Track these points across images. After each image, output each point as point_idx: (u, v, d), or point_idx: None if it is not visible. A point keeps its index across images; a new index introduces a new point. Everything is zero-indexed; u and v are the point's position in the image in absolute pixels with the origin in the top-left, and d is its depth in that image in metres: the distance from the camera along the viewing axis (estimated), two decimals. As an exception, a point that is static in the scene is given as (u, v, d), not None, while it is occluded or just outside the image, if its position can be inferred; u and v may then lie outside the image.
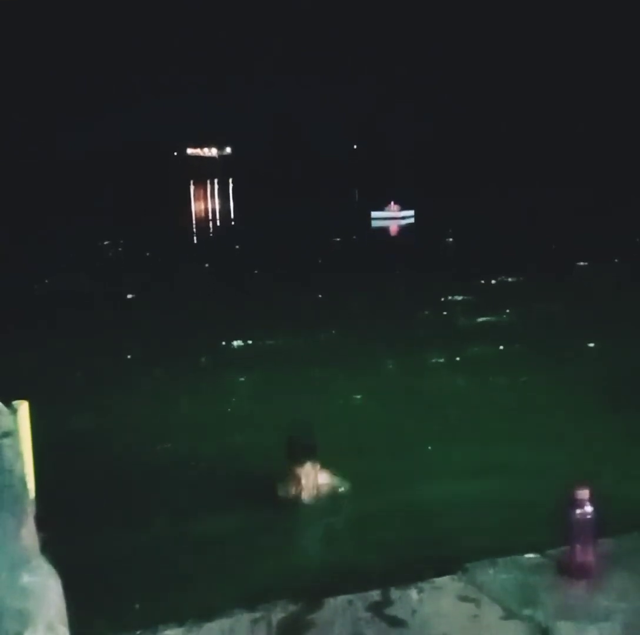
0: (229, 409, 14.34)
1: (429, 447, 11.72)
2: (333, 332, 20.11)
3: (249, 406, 14.36)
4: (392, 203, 50.91)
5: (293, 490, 9.61)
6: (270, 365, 17.11)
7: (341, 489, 9.84)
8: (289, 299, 25.00)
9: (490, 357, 17.45)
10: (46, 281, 30.39)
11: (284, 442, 9.71)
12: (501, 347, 18.12)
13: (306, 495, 9.60)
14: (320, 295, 25.92)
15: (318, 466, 9.64)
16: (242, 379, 16.27)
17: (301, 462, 9.53)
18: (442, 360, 17.22)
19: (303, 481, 9.54)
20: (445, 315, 22.29)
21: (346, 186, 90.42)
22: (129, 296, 26.97)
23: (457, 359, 17.23)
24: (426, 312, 22.51)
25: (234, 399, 15.02)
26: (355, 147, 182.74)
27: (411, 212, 50.89)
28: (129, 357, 18.24)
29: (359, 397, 14.40)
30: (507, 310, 22.11)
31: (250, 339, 19.44)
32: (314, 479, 9.61)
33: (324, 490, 9.77)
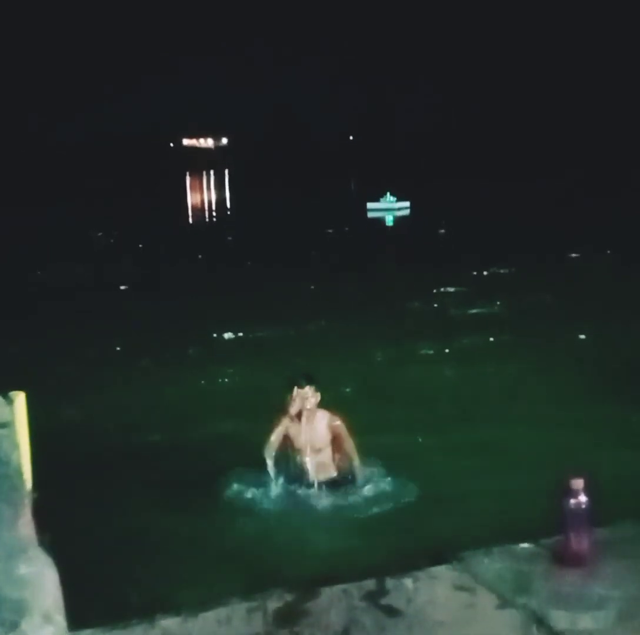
0: (220, 399, 14.34)
1: (420, 439, 11.75)
2: (323, 323, 20.12)
3: (239, 396, 14.34)
4: (388, 194, 50.75)
5: (293, 412, 9.72)
6: (261, 356, 17.10)
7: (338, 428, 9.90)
8: (281, 289, 24.97)
9: (481, 348, 17.45)
10: (40, 271, 30.31)
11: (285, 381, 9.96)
12: (492, 339, 18.14)
13: (305, 417, 9.69)
14: (312, 286, 25.92)
15: (318, 394, 9.80)
16: (232, 370, 16.25)
17: (301, 385, 9.73)
18: (432, 351, 17.24)
19: (302, 404, 9.68)
20: (436, 306, 22.31)
21: (343, 176, 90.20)
22: (122, 287, 26.94)
23: (447, 350, 17.23)
24: (417, 303, 22.52)
25: (224, 389, 15.04)
26: (351, 138, 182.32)
27: (407, 204, 50.62)
28: (119, 348, 18.23)
29: (348, 389, 14.36)
30: (499, 301, 22.14)
31: (241, 330, 19.43)
32: (313, 404, 9.75)
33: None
